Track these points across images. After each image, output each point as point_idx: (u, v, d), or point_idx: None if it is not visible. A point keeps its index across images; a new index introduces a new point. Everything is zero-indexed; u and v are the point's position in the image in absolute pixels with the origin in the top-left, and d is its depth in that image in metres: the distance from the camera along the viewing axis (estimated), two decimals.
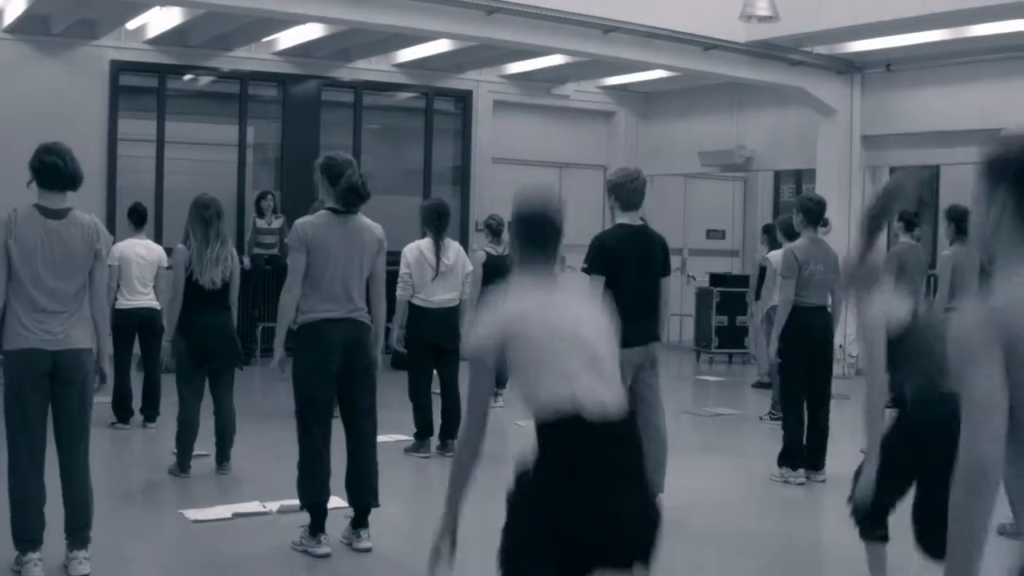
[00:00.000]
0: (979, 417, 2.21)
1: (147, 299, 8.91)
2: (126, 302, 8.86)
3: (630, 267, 6.36)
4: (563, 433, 3.25)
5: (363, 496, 5.83)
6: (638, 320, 5.93)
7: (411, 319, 8.37)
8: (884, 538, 4.87)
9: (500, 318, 3.41)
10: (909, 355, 4.76)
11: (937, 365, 4.64)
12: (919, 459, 4.60)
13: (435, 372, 8.56)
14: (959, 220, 9.59)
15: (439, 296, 8.35)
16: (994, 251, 2.37)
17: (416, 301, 8.33)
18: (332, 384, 5.75)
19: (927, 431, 4.48)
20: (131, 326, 8.90)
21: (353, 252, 5.75)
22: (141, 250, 9.04)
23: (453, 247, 8.52)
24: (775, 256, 10.92)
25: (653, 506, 3.40)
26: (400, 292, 8.34)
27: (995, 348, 2.20)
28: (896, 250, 11.32)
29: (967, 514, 2.20)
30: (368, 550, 5.74)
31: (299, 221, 5.87)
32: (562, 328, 3.38)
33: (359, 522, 5.84)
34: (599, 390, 3.29)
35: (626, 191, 6.57)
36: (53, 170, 5.04)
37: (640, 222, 6.65)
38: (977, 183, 2.40)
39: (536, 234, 3.57)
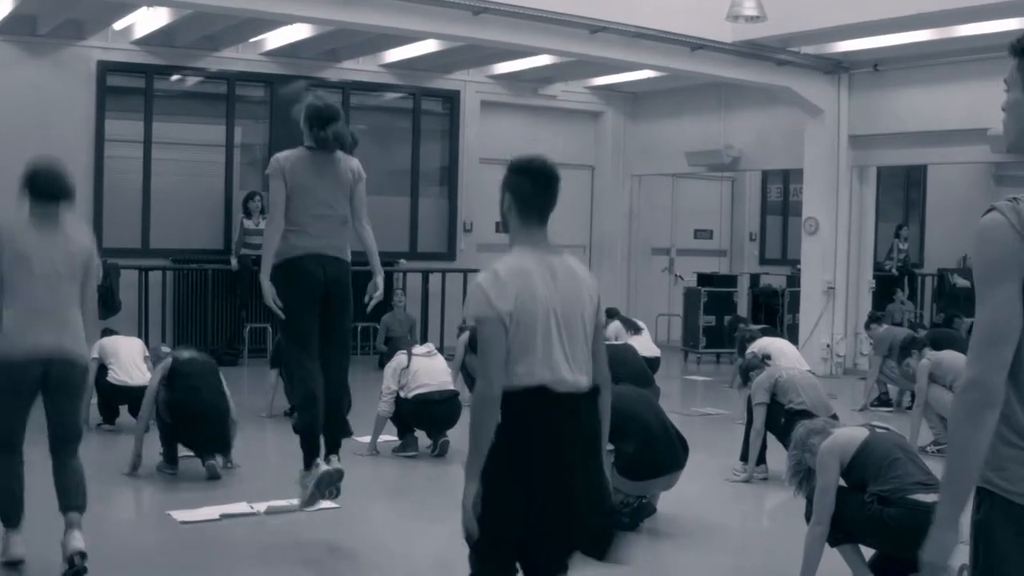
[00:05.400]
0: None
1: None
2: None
3: None
4: (530, 399, 3.37)
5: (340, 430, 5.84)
6: None
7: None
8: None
9: (510, 288, 3.39)
10: (879, 466, 4.82)
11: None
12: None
13: None
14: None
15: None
16: None
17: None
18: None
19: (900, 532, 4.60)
20: None
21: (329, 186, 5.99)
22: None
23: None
24: None
25: (605, 489, 3.56)
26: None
27: None
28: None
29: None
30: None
31: (276, 155, 6.05)
32: (552, 308, 3.44)
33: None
34: (570, 374, 3.43)
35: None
36: None
37: None
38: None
39: (533, 192, 3.50)
